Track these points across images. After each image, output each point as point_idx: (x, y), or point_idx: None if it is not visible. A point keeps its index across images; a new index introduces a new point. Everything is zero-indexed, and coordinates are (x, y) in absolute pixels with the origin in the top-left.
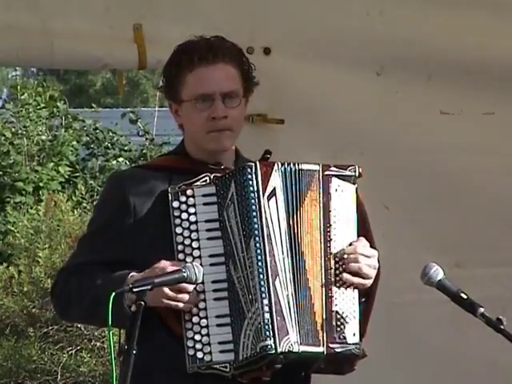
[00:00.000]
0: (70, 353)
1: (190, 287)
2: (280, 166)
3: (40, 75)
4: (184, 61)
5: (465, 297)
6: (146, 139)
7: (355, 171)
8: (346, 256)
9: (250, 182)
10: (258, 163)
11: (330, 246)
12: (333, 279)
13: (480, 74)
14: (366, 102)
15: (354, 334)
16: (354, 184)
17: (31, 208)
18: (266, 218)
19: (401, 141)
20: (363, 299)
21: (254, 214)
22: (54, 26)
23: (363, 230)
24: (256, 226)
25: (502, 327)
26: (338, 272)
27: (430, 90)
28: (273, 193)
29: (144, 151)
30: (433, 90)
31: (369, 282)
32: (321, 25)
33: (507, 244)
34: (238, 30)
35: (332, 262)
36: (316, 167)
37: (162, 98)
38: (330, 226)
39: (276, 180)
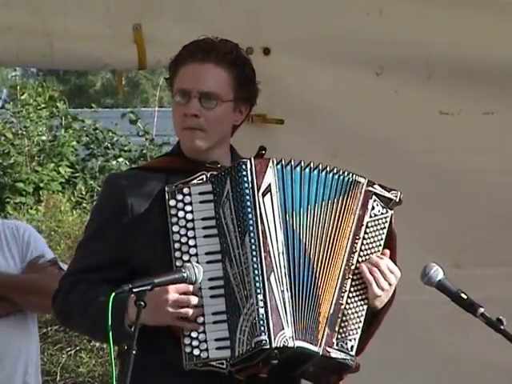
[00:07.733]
0: (69, 353)
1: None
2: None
3: (40, 75)
4: (180, 56)
5: (465, 297)
6: (146, 139)
7: (396, 196)
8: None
9: (245, 179)
10: (252, 160)
11: (353, 257)
12: (347, 288)
13: (480, 74)
14: (366, 102)
15: (352, 348)
16: (391, 209)
17: (31, 208)
18: (261, 214)
19: (400, 141)
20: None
21: (249, 210)
22: (53, 26)
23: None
24: (251, 222)
25: (501, 327)
26: (354, 283)
27: (430, 90)
28: (268, 189)
29: (144, 151)
30: (432, 90)
31: (380, 293)
32: (321, 25)
33: (507, 244)
34: (238, 30)
35: (351, 273)
36: (362, 180)
37: (162, 98)
38: (359, 238)
39: (271, 176)
